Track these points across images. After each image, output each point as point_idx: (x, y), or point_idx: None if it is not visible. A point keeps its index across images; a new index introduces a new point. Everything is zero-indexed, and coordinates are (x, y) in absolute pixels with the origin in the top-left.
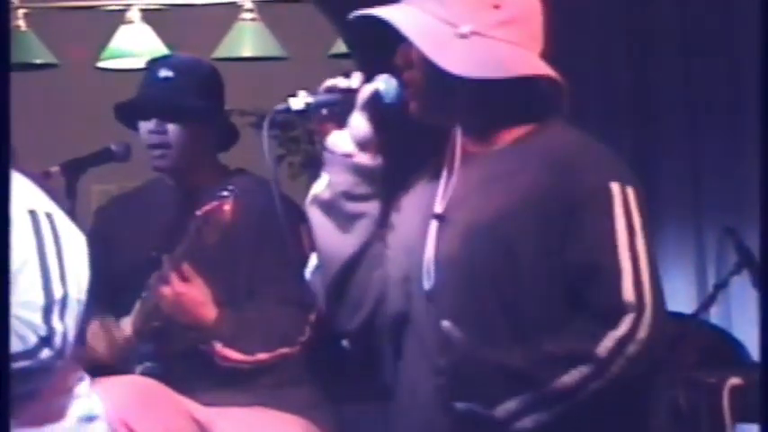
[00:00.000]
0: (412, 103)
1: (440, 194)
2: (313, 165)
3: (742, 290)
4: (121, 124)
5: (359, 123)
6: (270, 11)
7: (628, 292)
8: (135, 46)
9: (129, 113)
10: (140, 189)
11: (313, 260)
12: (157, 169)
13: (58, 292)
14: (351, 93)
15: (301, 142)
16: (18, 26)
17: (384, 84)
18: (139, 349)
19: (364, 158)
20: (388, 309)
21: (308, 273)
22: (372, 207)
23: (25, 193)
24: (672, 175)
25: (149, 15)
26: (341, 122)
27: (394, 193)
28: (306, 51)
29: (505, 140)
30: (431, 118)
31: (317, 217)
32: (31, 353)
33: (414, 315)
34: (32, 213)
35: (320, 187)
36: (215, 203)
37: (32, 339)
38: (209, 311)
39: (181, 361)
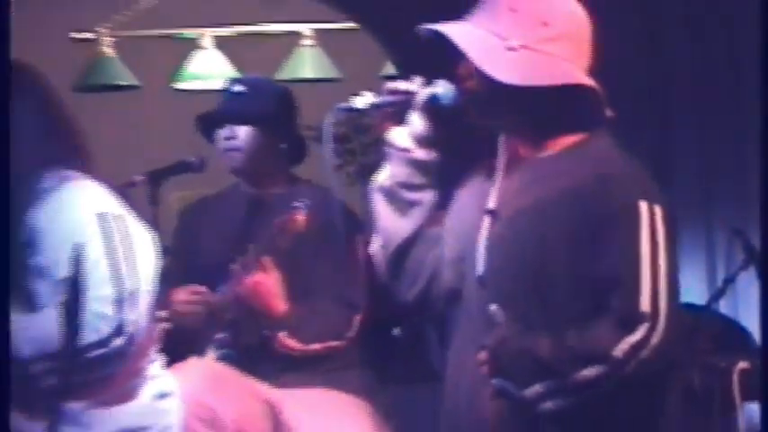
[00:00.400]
0: (470, 109)
1: (493, 192)
2: (366, 174)
3: (748, 284)
4: (202, 135)
5: (417, 122)
6: (326, 37)
7: (645, 304)
8: (207, 69)
9: (206, 124)
10: (220, 194)
11: (378, 238)
12: (233, 171)
13: (128, 286)
14: (411, 95)
15: (357, 154)
16: (104, 52)
17: (441, 88)
18: (215, 338)
19: (421, 153)
20: (443, 284)
21: (373, 248)
22: (427, 196)
23: (96, 198)
24: (685, 180)
25: (220, 42)
26: (401, 120)
27: (450, 184)
28: (359, 73)
29: (555, 148)
30: (486, 123)
31: (378, 202)
32: (104, 342)
33: (466, 295)
34: (102, 216)
35: (382, 176)
36: (290, 214)
37: (105, 330)
38: (280, 303)
39: (252, 348)
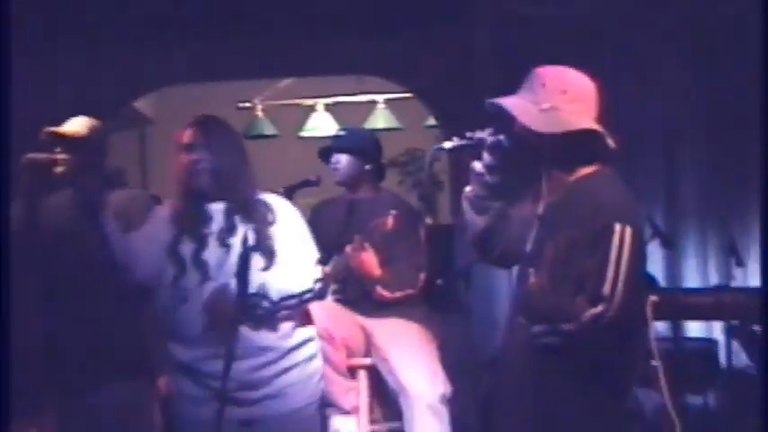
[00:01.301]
0: (522, 150)
1: (542, 203)
2: (417, 187)
3: (654, 249)
4: (321, 161)
5: (486, 157)
6: (392, 102)
7: (606, 290)
8: (320, 124)
9: (323, 154)
10: (333, 199)
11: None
12: (337, 183)
13: (318, 254)
14: (482, 140)
15: (413, 174)
16: (257, 115)
17: (503, 136)
18: (332, 289)
19: (489, 177)
20: (510, 253)
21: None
22: (494, 203)
23: (285, 201)
24: None
25: (328, 107)
26: (478, 156)
27: (512, 196)
28: (413, 124)
29: (576, 176)
30: (532, 159)
31: (465, 206)
32: (312, 288)
33: (520, 261)
34: (295, 211)
35: (467, 190)
36: (384, 219)
37: (311, 281)
38: (376, 270)
39: (354, 296)
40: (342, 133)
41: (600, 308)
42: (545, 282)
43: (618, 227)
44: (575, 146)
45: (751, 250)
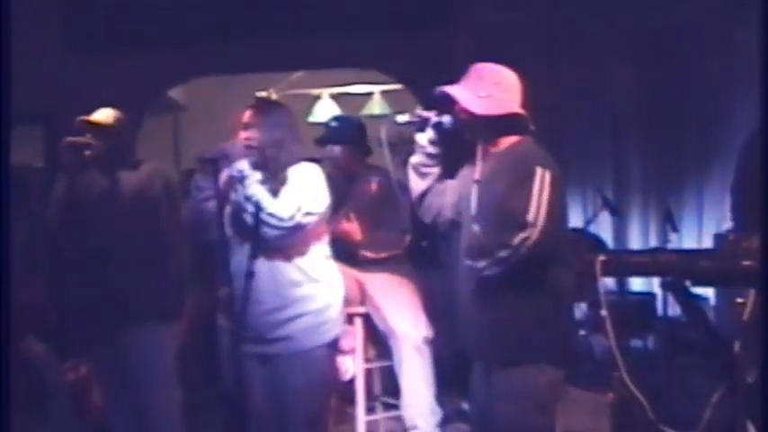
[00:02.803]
0: (460, 128)
1: (477, 170)
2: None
3: (604, 218)
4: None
5: (430, 133)
6: (387, 93)
7: (530, 218)
8: (325, 110)
9: (319, 143)
10: (329, 174)
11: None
12: (333, 167)
13: (317, 209)
14: (428, 118)
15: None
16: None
17: (444, 117)
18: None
19: (431, 149)
20: (445, 216)
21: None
22: (435, 170)
23: (314, 167)
24: (570, 165)
25: (332, 95)
26: (424, 131)
27: (449, 166)
28: (404, 111)
29: (502, 147)
30: (468, 135)
31: (411, 173)
32: (292, 216)
33: (464, 223)
34: (318, 171)
35: (413, 159)
36: (367, 185)
37: (294, 219)
38: (357, 236)
39: (346, 256)
40: (333, 124)
41: (526, 232)
42: (489, 229)
43: (539, 170)
44: (503, 124)
45: (684, 219)
